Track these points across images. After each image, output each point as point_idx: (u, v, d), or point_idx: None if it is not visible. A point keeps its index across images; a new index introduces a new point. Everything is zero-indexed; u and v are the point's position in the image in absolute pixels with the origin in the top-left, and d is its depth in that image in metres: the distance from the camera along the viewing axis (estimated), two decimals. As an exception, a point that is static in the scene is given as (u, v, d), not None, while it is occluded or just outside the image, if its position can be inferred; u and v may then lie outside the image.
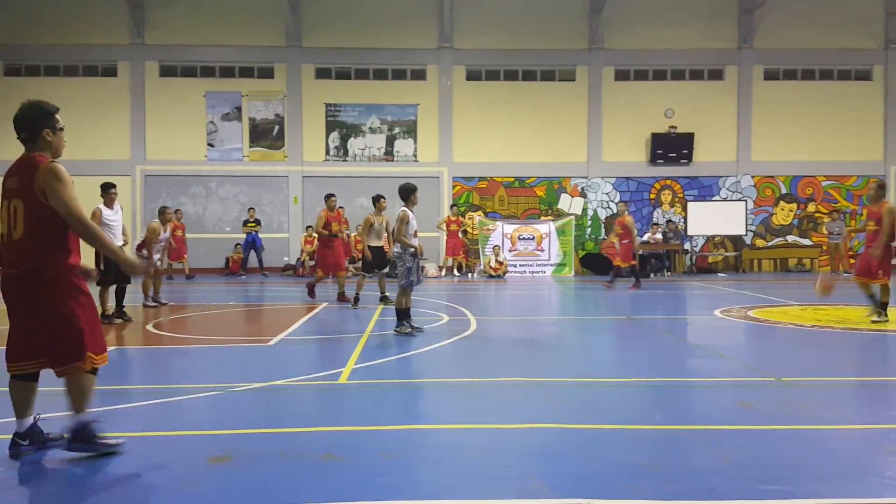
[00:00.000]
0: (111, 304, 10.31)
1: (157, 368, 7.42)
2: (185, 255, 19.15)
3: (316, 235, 14.44)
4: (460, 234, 20.32)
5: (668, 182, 22.00)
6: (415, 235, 9.01)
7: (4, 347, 4.13)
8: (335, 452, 4.20)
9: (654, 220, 21.62)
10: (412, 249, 8.84)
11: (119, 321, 10.22)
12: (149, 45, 21.29)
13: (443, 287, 16.73)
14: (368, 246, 12.15)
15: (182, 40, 21.33)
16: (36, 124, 4.12)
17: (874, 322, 9.45)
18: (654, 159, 21.72)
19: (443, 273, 20.47)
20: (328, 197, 13.21)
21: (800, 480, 3.79)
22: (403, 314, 8.85)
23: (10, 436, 4.17)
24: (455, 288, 16.63)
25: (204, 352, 8.12)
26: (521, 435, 4.63)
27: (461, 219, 20.67)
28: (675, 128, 21.60)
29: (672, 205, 22.01)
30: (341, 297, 12.69)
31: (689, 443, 4.47)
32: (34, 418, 4.18)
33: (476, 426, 4.84)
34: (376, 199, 12.26)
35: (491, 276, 19.48)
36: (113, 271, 9.62)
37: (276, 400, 5.75)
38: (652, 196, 22.04)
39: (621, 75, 22.00)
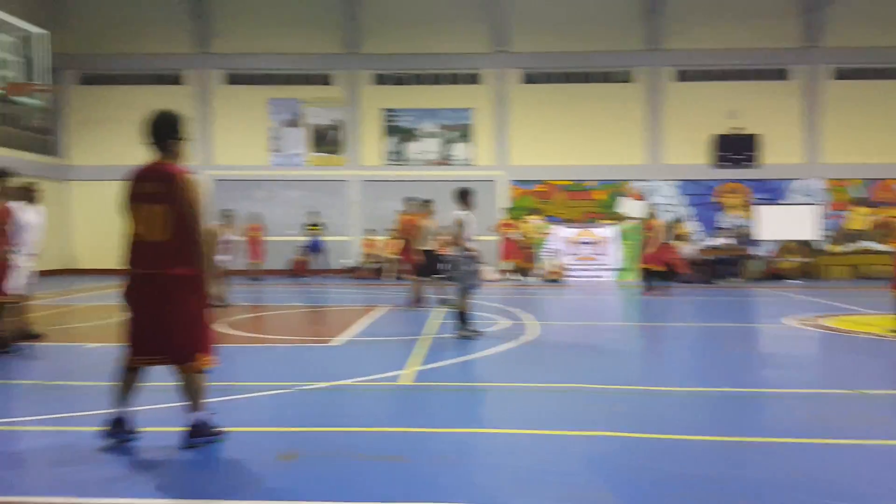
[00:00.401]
0: None
1: (227, 366, 7.62)
2: (261, 258, 19.62)
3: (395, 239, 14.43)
4: (515, 237, 20.28)
5: (734, 185, 21.45)
6: (472, 238, 9.04)
7: (127, 342, 4.33)
8: (398, 453, 4.25)
9: (720, 224, 21.12)
10: (471, 252, 8.87)
11: None
12: (214, 54, 21.97)
13: (501, 291, 16.69)
14: (420, 250, 12.21)
15: (245, 49, 21.93)
16: (168, 133, 4.31)
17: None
18: (717, 161, 21.23)
19: (500, 277, 20.42)
20: (408, 200, 13.21)
21: (874, 497, 3.65)
22: (464, 317, 8.88)
23: (90, 427, 4.37)
24: (513, 292, 16.58)
25: (271, 351, 8.32)
26: (582, 443, 4.59)
27: (516, 222, 20.62)
28: (740, 129, 21.06)
29: (739, 208, 21.44)
30: (414, 301, 12.65)
31: (758, 456, 4.34)
32: (128, 410, 4.39)
33: (537, 432, 4.82)
34: (426, 203, 12.33)
35: (549, 280, 19.35)
36: None
37: (341, 399, 5.85)
38: (718, 199, 21.53)
39: (681, 76, 21.59)
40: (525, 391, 6.16)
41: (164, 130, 4.30)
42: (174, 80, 22.18)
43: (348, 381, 6.36)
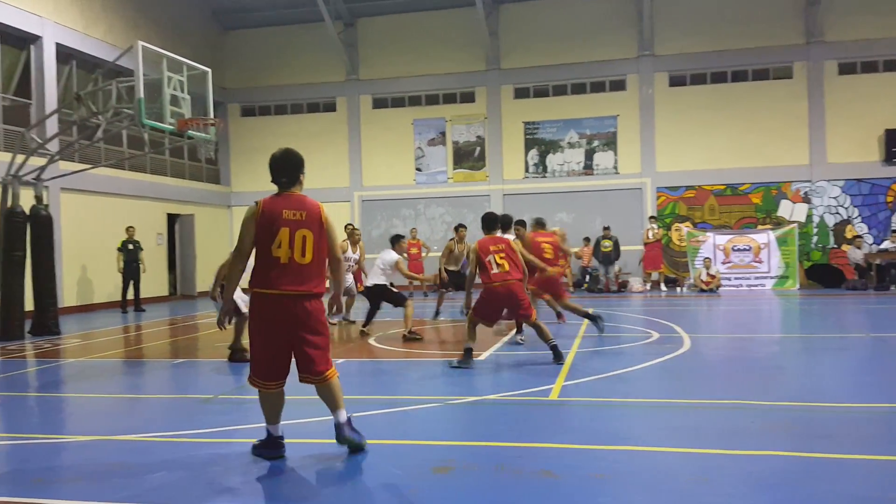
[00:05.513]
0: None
1: (379, 380, 7.98)
2: (422, 273, 20.34)
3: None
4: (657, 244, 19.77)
5: (911, 182, 19.59)
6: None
7: (262, 367, 4.53)
8: (551, 469, 4.25)
9: (893, 226, 19.33)
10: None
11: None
12: (362, 80, 23.09)
13: (650, 302, 16.19)
14: (445, 269, 12.99)
15: (391, 73, 22.89)
16: (298, 169, 4.74)
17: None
18: (889, 158, 19.47)
19: (648, 287, 19.84)
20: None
21: None
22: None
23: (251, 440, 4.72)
24: (663, 303, 16.02)
25: (420, 365, 8.59)
26: (743, 461, 4.37)
27: (660, 230, 20.06)
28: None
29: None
30: (556, 315, 12.40)
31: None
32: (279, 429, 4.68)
33: (694, 450, 4.64)
34: (458, 228, 13.26)
35: (702, 290, 18.53)
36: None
37: (491, 413, 5.94)
38: (889, 199, 19.73)
39: (846, 69, 20.04)
40: (681, 408, 5.95)
41: (295, 168, 4.71)
42: (327, 107, 23.56)
43: (499, 395, 6.45)
